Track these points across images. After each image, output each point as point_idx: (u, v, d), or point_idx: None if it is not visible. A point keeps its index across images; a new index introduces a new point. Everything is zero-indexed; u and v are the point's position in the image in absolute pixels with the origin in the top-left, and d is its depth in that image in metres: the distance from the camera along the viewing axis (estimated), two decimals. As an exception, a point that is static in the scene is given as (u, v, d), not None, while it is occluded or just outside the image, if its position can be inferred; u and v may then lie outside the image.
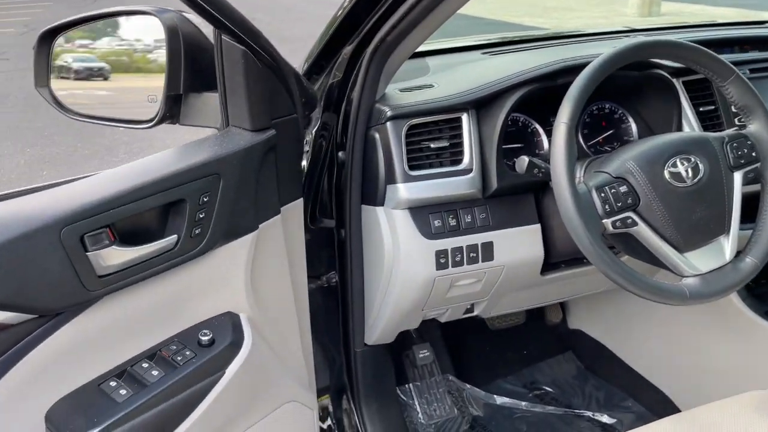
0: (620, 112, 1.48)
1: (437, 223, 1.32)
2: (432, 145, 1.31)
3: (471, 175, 1.31)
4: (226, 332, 1.06)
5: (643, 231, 1.12)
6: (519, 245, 1.38)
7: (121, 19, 1.16)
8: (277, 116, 1.09)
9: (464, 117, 1.32)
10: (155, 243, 0.96)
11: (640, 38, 1.19)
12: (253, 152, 1.04)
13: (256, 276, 1.11)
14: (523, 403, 1.93)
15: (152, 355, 1.01)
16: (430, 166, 1.31)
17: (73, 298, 0.91)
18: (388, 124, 1.28)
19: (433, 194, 1.30)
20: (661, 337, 1.87)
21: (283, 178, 1.13)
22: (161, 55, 1.06)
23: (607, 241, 1.18)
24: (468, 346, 2.03)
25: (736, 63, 1.25)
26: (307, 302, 1.29)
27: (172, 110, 1.10)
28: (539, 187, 1.38)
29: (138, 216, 0.95)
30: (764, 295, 1.67)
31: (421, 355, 1.82)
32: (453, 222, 1.33)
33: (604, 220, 1.09)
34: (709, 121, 1.48)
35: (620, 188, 1.11)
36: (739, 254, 1.17)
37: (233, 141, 1.03)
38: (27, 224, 0.85)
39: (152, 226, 0.98)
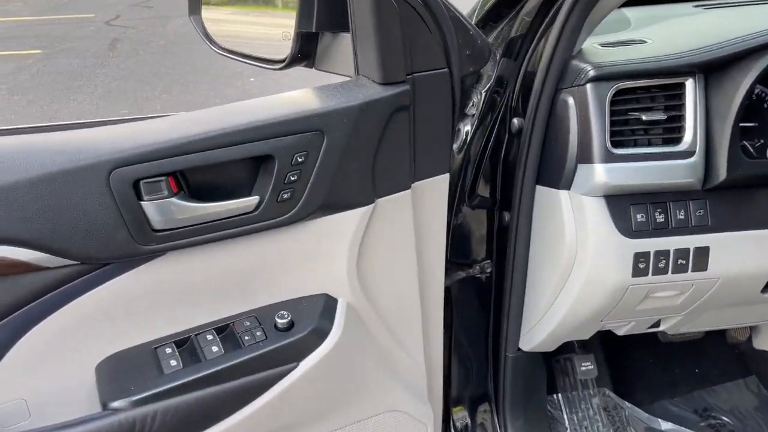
0: None
1: (640, 217, 1.14)
2: (644, 117, 1.12)
3: (693, 159, 1.13)
4: (311, 317, 0.95)
5: None
6: (743, 254, 1.20)
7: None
8: (419, 69, 0.95)
9: (689, 83, 1.13)
10: (230, 202, 0.87)
11: None
12: (373, 110, 0.91)
13: (366, 258, 1.00)
14: (693, 434, 1.73)
15: (223, 327, 0.93)
16: (637, 144, 1.14)
17: (120, 250, 0.84)
18: (589, 86, 1.11)
19: (639, 181, 1.13)
20: None
21: (420, 147, 0.98)
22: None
23: None
24: (631, 356, 1.83)
25: None
26: (441, 296, 1.16)
27: (305, 51, 1.01)
28: None
29: (215, 169, 0.86)
30: None
31: (583, 368, 1.64)
32: (660, 218, 1.15)
33: None
34: None
35: None
36: None
37: (350, 94, 0.91)
38: (71, 159, 0.79)
39: (231, 183, 0.89)
